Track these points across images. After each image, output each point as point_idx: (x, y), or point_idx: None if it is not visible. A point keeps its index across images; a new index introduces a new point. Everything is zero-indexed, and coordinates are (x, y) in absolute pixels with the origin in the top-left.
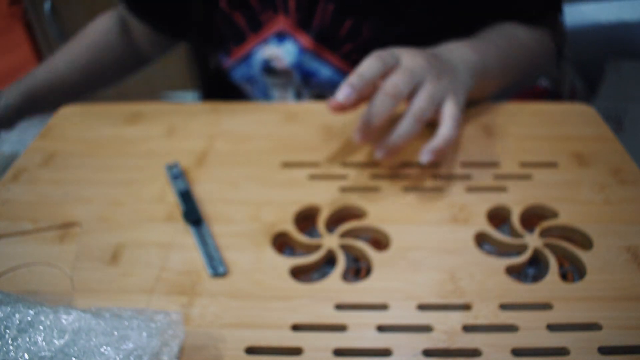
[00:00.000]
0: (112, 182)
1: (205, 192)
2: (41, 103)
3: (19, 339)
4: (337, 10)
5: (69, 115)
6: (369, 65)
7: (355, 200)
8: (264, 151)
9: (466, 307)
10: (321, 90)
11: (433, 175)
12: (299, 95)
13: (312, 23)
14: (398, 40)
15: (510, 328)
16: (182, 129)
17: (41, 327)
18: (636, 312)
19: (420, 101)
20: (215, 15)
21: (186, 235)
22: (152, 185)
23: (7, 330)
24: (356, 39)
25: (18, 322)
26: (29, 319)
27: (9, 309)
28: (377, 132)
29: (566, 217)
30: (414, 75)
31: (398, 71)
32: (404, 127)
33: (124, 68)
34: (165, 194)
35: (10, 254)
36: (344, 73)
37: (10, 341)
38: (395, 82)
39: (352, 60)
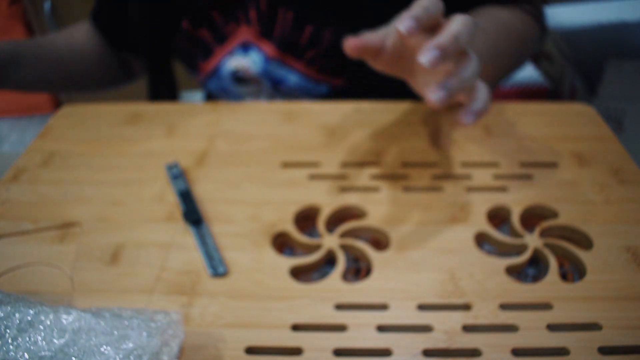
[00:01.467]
0: (112, 182)
1: (205, 192)
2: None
3: (19, 339)
4: (296, 18)
5: (69, 115)
6: (433, 1)
7: (355, 200)
8: (264, 151)
9: (466, 307)
10: (293, 96)
11: (433, 175)
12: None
13: (273, 32)
14: None
15: (510, 328)
16: (182, 129)
17: (41, 327)
18: (636, 312)
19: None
20: (178, 37)
21: (186, 235)
22: (152, 185)
23: (7, 330)
24: (318, 45)
25: (18, 321)
26: (29, 318)
27: (9, 308)
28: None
29: (566, 217)
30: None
31: (461, 21)
32: (472, 67)
33: (95, 80)
34: (165, 194)
35: (11, 254)
36: (310, 78)
37: (10, 341)
38: (466, 18)
39: (317, 65)
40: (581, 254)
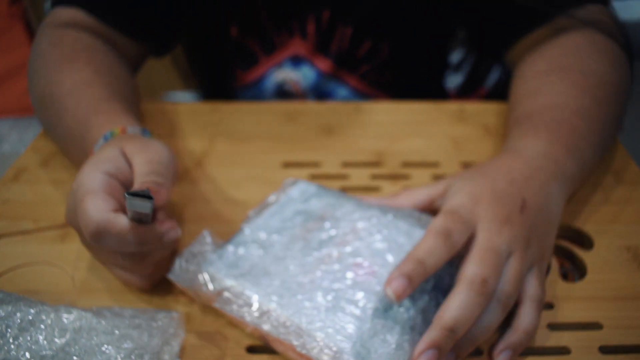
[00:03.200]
0: None
1: (205, 192)
2: None
3: (20, 338)
4: (355, 34)
5: None
6: (432, 247)
7: None
8: (264, 151)
9: None
10: None
11: (433, 175)
12: None
13: (330, 47)
14: (415, 58)
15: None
16: (182, 129)
17: (42, 326)
18: (637, 311)
19: (507, 284)
20: (224, 44)
21: (187, 235)
22: None
23: (9, 329)
24: (374, 59)
25: (19, 321)
26: (30, 317)
27: (10, 308)
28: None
29: (566, 217)
30: (500, 258)
31: (480, 257)
32: (488, 317)
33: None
34: None
35: (12, 253)
36: (361, 92)
37: (11, 340)
38: (482, 273)
39: (370, 79)
40: (582, 253)
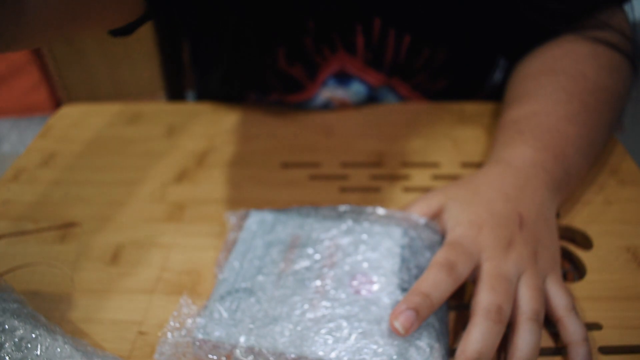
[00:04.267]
0: (112, 182)
1: (205, 192)
2: None
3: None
4: (414, 42)
5: (69, 115)
6: (437, 280)
7: (355, 200)
8: (264, 151)
9: (468, 308)
10: None
11: (433, 175)
12: None
13: (384, 59)
14: (470, 63)
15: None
16: (182, 129)
17: (37, 352)
18: (636, 311)
19: (532, 302)
20: (270, 73)
21: (187, 235)
22: (152, 185)
23: (6, 344)
24: (431, 68)
25: (17, 339)
26: (29, 340)
27: (16, 322)
28: None
29: (566, 217)
30: (510, 283)
31: (491, 285)
32: (527, 339)
33: None
34: (165, 194)
35: (11, 253)
36: (409, 100)
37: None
38: (496, 304)
39: (422, 89)
40: (581, 254)
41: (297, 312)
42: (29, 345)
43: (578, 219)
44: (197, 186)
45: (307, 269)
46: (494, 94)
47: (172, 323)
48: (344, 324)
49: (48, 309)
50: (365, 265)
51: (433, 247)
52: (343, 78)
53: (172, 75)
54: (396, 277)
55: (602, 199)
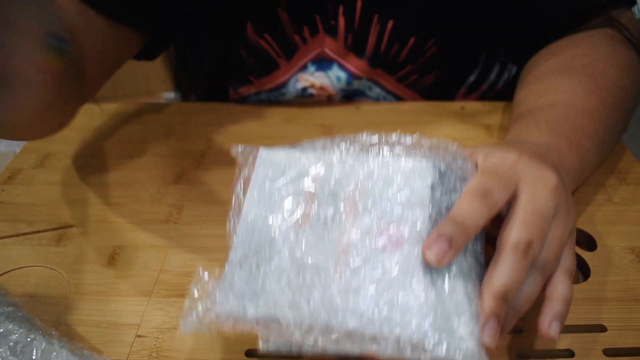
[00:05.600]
0: (109, 183)
1: (205, 193)
2: None
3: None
4: (398, 28)
5: None
6: (471, 208)
7: None
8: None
9: None
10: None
11: None
12: None
13: (366, 45)
14: (462, 58)
15: (514, 330)
16: (181, 129)
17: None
18: None
19: (549, 253)
20: (239, 45)
21: (185, 237)
22: (150, 186)
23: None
24: (418, 60)
25: (12, 344)
26: (24, 343)
27: (10, 326)
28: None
29: None
30: (546, 221)
31: (524, 220)
32: (529, 286)
33: None
34: (163, 195)
35: (7, 256)
36: (394, 95)
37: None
38: (527, 237)
39: (409, 82)
40: (585, 254)
41: (322, 278)
42: (24, 350)
43: (582, 220)
44: (195, 187)
45: (328, 221)
46: (488, 91)
47: (192, 300)
48: (372, 289)
49: (44, 312)
50: (392, 214)
51: (466, 180)
52: (323, 64)
53: (181, 74)
54: (425, 228)
55: (605, 199)
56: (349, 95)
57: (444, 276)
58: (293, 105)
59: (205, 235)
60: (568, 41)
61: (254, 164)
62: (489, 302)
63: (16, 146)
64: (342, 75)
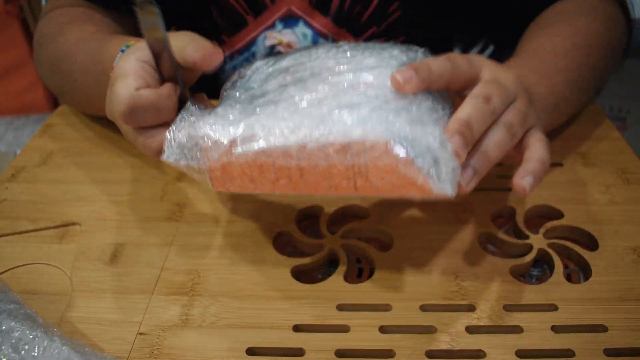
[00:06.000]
0: (111, 181)
1: (205, 192)
2: None
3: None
4: None
5: (68, 114)
6: (437, 61)
7: (357, 200)
8: None
9: (470, 308)
10: None
11: None
12: None
13: (330, 3)
14: (429, 25)
15: (515, 329)
16: None
17: (34, 354)
18: None
19: (512, 114)
20: (210, 6)
21: (187, 235)
22: (152, 184)
23: (2, 346)
24: (382, 23)
25: (14, 341)
26: (26, 341)
27: (12, 324)
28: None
29: (571, 217)
30: (508, 91)
31: (488, 82)
32: (497, 135)
33: None
34: (165, 193)
35: (9, 253)
36: None
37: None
38: (488, 93)
39: None
40: (586, 254)
41: (298, 98)
42: (26, 347)
43: (583, 220)
44: (197, 185)
45: (308, 77)
46: None
47: (177, 123)
48: (354, 100)
49: (46, 310)
50: (366, 73)
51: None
52: (290, 21)
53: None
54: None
55: (607, 199)
56: None
57: (412, 107)
58: None
59: (207, 234)
60: (550, 8)
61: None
62: (453, 124)
63: (17, 146)
64: (308, 32)
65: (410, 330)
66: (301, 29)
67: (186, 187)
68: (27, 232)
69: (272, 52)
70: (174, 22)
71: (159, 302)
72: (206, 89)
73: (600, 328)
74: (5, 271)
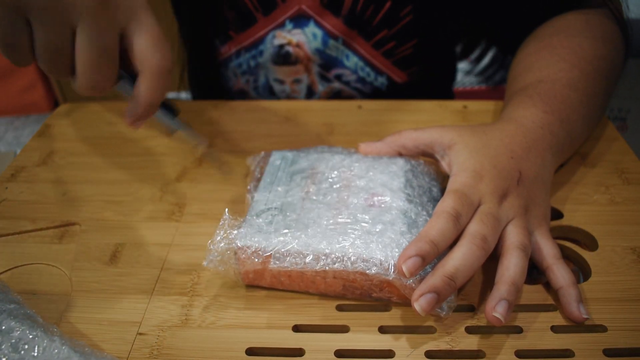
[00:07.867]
0: (111, 181)
1: (205, 192)
2: None
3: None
4: None
5: (67, 114)
6: (444, 229)
7: None
8: (265, 150)
9: (470, 308)
10: (341, 82)
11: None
12: (310, 94)
13: (342, 4)
14: (439, 29)
15: (514, 330)
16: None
17: (34, 354)
18: None
19: (518, 235)
20: (224, 5)
21: (187, 235)
22: (151, 185)
23: (2, 345)
24: (393, 26)
25: (14, 340)
26: (26, 341)
27: (12, 323)
28: None
29: (571, 217)
30: (499, 222)
31: (481, 219)
32: (515, 262)
33: None
34: (165, 193)
35: (9, 253)
36: (372, 65)
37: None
38: (482, 233)
39: (385, 51)
40: (586, 254)
41: (324, 220)
42: (26, 347)
43: (583, 220)
44: (197, 185)
45: (328, 189)
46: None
47: (218, 235)
48: (365, 226)
49: (46, 310)
50: (376, 184)
51: (429, 174)
52: (300, 20)
53: (197, 74)
54: (402, 192)
55: (607, 199)
56: (326, 65)
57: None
58: (293, 104)
59: (207, 234)
60: (546, 24)
61: (264, 161)
62: (436, 278)
63: (17, 146)
64: (318, 32)
65: (409, 330)
66: (311, 29)
67: (186, 187)
68: (26, 232)
69: (281, 51)
70: (184, 14)
71: (158, 302)
72: (208, 86)
73: (600, 328)
74: (5, 271)
